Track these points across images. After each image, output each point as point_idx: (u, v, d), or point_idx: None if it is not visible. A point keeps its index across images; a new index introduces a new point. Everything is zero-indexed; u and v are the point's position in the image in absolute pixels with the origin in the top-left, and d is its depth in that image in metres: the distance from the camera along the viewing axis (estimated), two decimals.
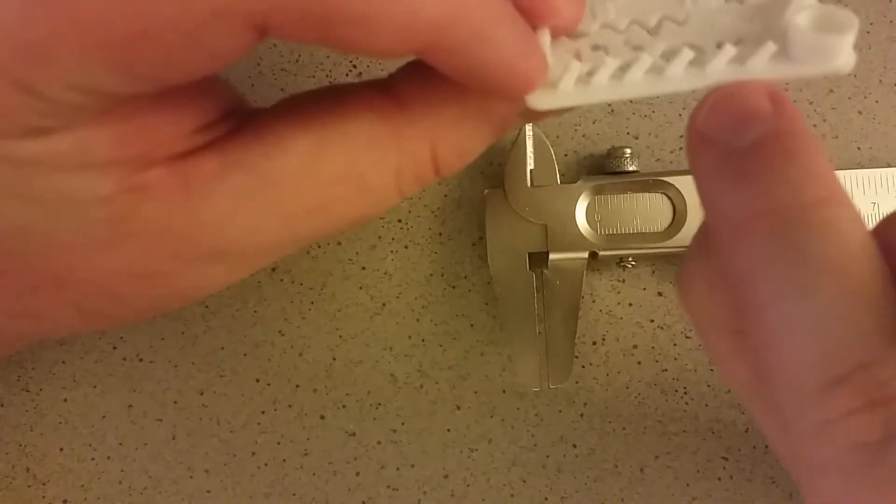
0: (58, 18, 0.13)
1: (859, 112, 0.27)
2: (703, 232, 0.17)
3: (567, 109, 0.18)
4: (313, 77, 0.28)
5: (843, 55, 0.15)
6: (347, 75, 0.28)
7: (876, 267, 0.14)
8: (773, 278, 0.14)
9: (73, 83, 0.14)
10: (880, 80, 0.27)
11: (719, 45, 0.16)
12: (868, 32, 0.28)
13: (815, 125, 0.27)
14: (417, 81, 0.17)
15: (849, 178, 0.25)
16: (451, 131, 0.18)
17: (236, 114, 0.18)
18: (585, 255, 0.25)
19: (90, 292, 0.17)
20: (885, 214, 0.25)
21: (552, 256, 0.25)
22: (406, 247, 0.27)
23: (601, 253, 0.25)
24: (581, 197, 0.25)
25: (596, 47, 0.18)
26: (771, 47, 0.15)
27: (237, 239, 0.17)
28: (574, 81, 0.17)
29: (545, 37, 0.17)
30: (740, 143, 0.15)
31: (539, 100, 0.17)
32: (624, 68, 0.17)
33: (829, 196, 0.14)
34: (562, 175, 0.26)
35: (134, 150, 0.16)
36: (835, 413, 0.13)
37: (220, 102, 0.17)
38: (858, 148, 0.27)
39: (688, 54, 0.16)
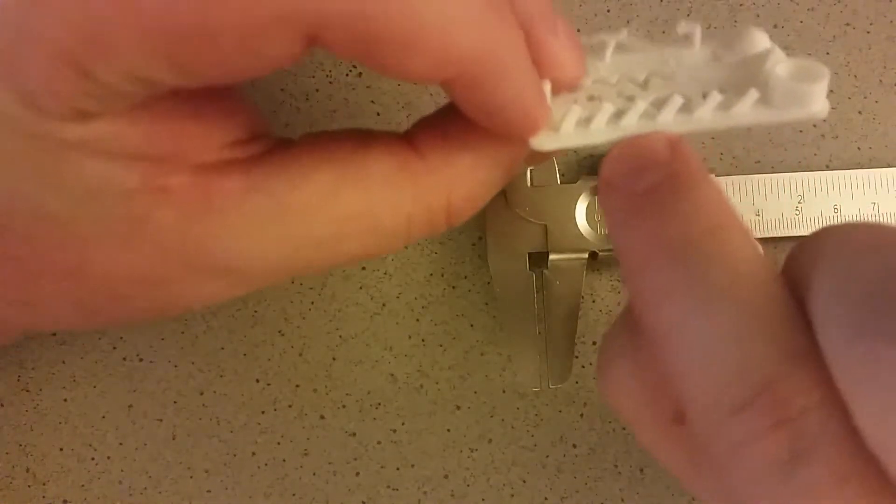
0: (124, 10, 0.13)
1: (859, 112, 0.27)
2: (623, 313, 0.18)
3: (565, 151, 0.18)
4: (313, 77, 0.28)
5: (819, 102, 0.17)
6: (347, 75, 0.28)
7: (769, 285, 0.14)
8: (673, 308, 0.15)
9: (129, 71, 0.14)
10: (880, 80, 0.27)
11: (705, 96, 0.18)
12: (868, 32, 0.28)
13: (815, 125, 0.27)
14: (436, 134, 0.18)
15: (849, 179, 0.25)
16: (466, 179, 0.19)
17: (263, 139, 0.18)
18: (585, 255, 0.25)
19: (93, 289, 0.18)
20: (884, 214, 0.25)
21: (552, 256, 0.25)
22: (406, 247, 0.27)
23: (601, 253, 0.25)
24: (581, 197, 0.25)
25: (591, 98, 0.19)
26: (754, 94, 0.17)
27: (246, 258, 0.18)
28: (574, 124, 0.18)
29: (546, 87, 0.18)
30: (639, 187, 0.16)
31: (542, 141, 0.18)
32: (619, 114, 0.18)
33: (719, 224, 0.15)
34: (562, 175, 0.26)
35: (162, 148, 0.16)
36: (745, 436, 0.14)
37: (248, 124, 0.18)
38: (858, 148, 0.27)
39: (678, 101, 0.17)
